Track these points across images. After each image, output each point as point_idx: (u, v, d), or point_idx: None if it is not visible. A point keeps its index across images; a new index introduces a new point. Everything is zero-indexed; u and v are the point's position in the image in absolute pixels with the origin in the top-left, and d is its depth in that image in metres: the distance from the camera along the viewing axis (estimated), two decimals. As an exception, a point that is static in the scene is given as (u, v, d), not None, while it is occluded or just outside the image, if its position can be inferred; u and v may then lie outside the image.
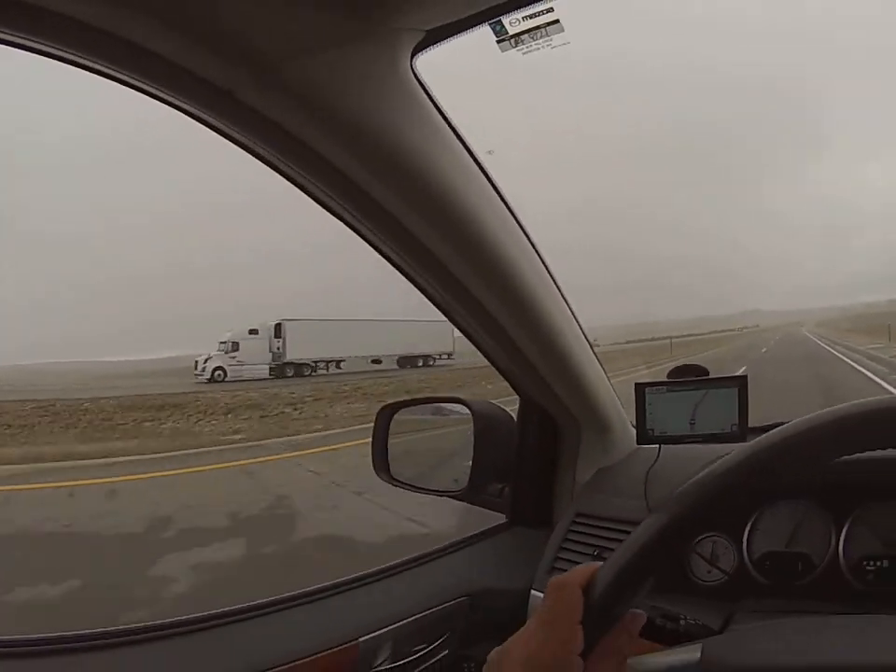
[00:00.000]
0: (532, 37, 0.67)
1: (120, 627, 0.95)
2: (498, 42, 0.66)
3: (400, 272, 0.96)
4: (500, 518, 1.29)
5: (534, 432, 1.23)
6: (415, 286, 1.00)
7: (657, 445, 1.17)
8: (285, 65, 0.63)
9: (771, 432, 0.63)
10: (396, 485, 1.28)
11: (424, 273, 0.95)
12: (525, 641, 0.62)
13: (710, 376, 1.18)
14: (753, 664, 0.65)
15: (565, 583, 0.64)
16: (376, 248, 0.92)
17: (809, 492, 0.99)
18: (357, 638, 1.00)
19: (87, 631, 0.94)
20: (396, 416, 1.32)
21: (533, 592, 1.11)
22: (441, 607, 1.10)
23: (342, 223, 0.86)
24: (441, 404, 1.41)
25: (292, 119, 0.69)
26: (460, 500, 1.24)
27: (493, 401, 1.26)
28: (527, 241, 0.95)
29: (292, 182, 0.80)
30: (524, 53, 0.67)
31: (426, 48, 0.67)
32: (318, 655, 0.97)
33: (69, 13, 0.58)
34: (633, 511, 1.04)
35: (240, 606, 1.03)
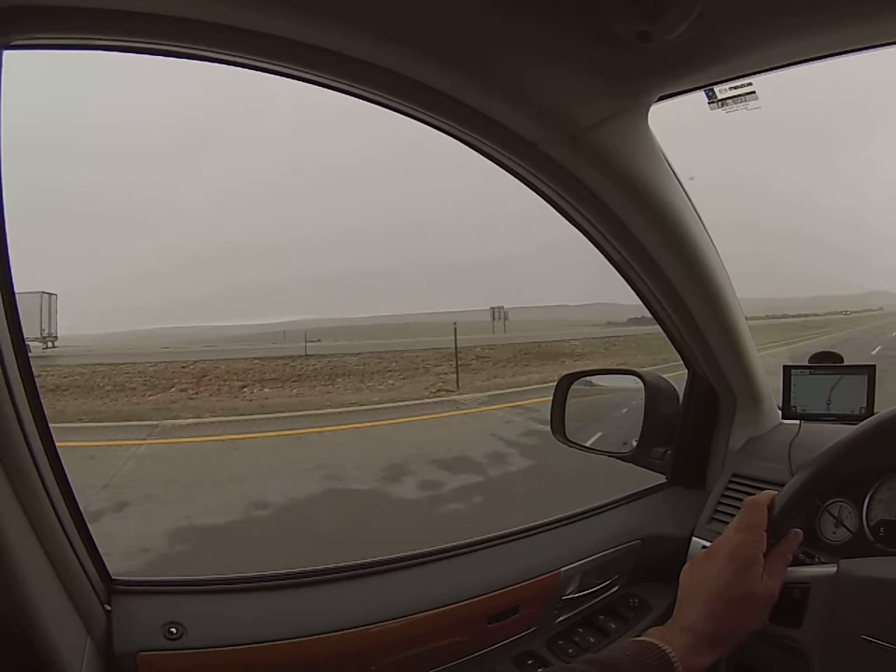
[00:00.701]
0: (734, 102, 0.95)
1: (382, 558, 1.23)
2: (709, 103, 0.95)
3: (617, 267, 1.23)
4: (661, 478, 1.49)
5: (697, 403, 1.43)
6: (626, 279, 1.25)
7: (798, 421, 1.36)
8: (578, 127, 0.91)
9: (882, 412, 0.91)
10: (570, 446, 1.49)
11: (637, 266, 1.20)
12: (728, 541, 0.87)
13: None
14: (880, 575, 0.88)
15: (757, 501, 0.89)
16: (605, 253, 1.20)
17: None
18: (559, 568, 1.26)
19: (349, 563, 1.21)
20: (573, 385, 1.54)
21: (694, 539, 1.30)
22: (619, 547, 1.34)
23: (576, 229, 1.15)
24: (615, 375, 1.64)
25: (578, 167, 0.98)
26: (627, 461, 1.45)
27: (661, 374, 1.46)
28: (706, 232, 1.18)
29: (564, 214, 1.11)
30: (726, 112, 0.96)
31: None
32: (532, 580, 1.23)
33: (409, 74, 0.85)
34: (779, 474, 1.23)
35: (470, 540, 1.30)
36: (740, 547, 0.85)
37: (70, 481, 1.00)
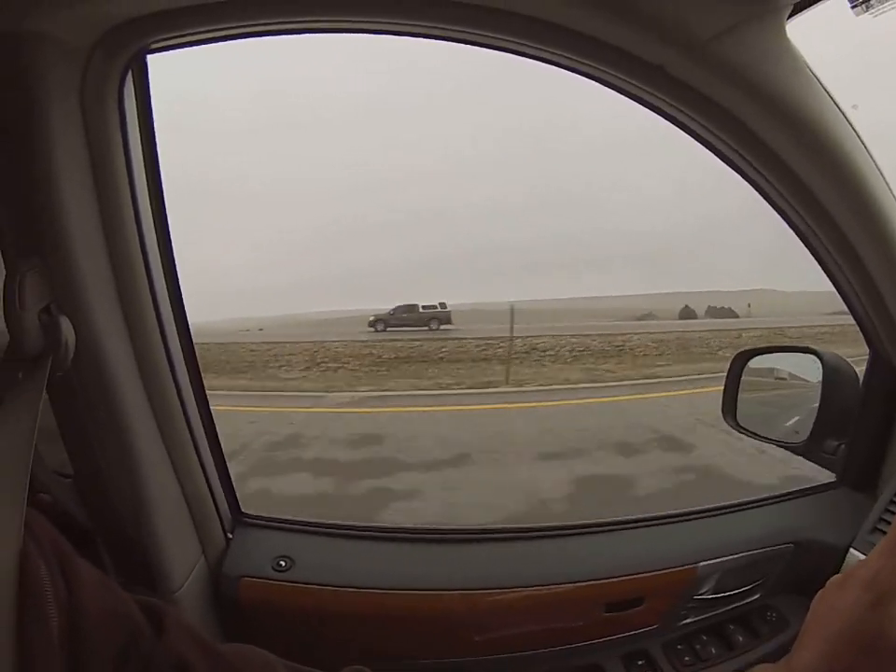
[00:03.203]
0: (879, 1, 0.75)
1: (501, 526, 1.25)
2: (852, 7, 0.76)
3: (780, 212, 1.03)
4: (830, 476, 1.28)
5: (878, 389, 1.18)
6: (792, 227, 1.05)
7: None
8: (707, 43, 0.77)
9: None
10: (740, 431, 1.32)
11: (804, 213, 0.99)
12: (869, 566, 0.67)
13: None
14: None
15: None
16: (764, 194, 1.02)
17: None
18: (697, 563, 1.13)
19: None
20: (749, 363, 1.35)
21: (851, 551, 1.10)
22: (767, 549, 1.17)
23: (739, 175, 0.99)
24: (792, 353, 1.42)
25: (712, 88, 0.85)
26: (796, 453, 1.25)
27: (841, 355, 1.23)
28: (882, 176, 0.95)
29: (700, 140, 0.96)
30: (873, 16, 0.76)
31: (793, 17, 0.79)
32: (663, 571, 1.13)
33: (525, 12, 0.80)
34: None
35: (597, 520, 1.24)
36: (881, 574, 0.65)
37: (215, 424, 1.14)
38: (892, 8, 0.74)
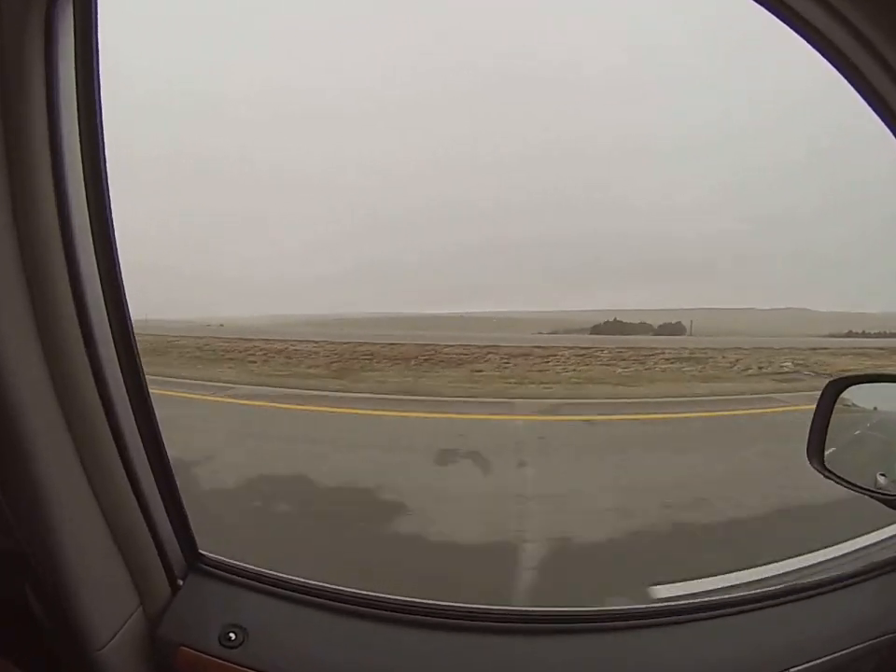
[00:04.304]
0: None
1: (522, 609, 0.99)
2: None
3: None
4: None
5: None
6: None
7: None
8: None
9: None
10: (826, 476, 1.07)
11: None
12: None
13: None
14: None
15: None
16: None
17: None
18: (787, 669, 0.88)
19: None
20: (844, 393, 1.11)
21: None
22: (859, 646, 0.91)
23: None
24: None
25: None
26: (888, 506, 1.01)
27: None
28: None
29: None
30: None
31: None
32: None
33: None
34: None
35: (640, 607, 0.99)
36: None
37: (163, 447, 0.93)
38: None
